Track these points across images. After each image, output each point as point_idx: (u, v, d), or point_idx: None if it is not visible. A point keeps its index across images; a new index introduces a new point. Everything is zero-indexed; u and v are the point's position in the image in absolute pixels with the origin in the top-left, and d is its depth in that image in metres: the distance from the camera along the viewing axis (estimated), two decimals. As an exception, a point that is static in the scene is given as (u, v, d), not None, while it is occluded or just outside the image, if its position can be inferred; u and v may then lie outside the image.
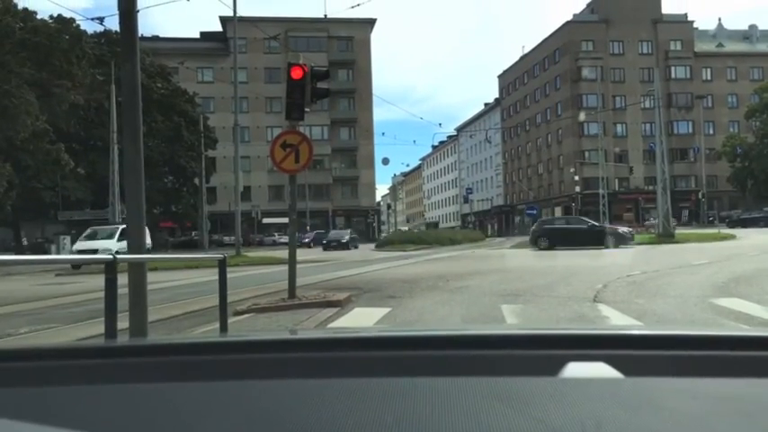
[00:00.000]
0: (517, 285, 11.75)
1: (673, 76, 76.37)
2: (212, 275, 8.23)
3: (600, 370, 1.00)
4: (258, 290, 12.50)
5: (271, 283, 13.48)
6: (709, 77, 78.79)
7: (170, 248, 49.93)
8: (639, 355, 1.09)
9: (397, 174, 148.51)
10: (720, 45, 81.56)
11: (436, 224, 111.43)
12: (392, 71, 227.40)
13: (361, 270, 18.40)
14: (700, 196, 61.33)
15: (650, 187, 57.13)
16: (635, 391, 0.86)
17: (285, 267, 10.83)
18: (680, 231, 34.10)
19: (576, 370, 0.99)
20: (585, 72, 74.71)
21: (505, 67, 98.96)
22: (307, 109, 9.88)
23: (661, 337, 1.24)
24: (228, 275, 6.58)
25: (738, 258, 17.22)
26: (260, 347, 1.28)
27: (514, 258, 23.20)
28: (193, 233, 58.35)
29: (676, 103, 75.45)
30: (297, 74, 9.68)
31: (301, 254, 17.57)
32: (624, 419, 0.74)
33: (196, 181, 51.34)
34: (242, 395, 0.89)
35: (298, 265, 10.46)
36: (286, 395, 0.88)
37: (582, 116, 62.28)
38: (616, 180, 71.21)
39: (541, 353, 1.11)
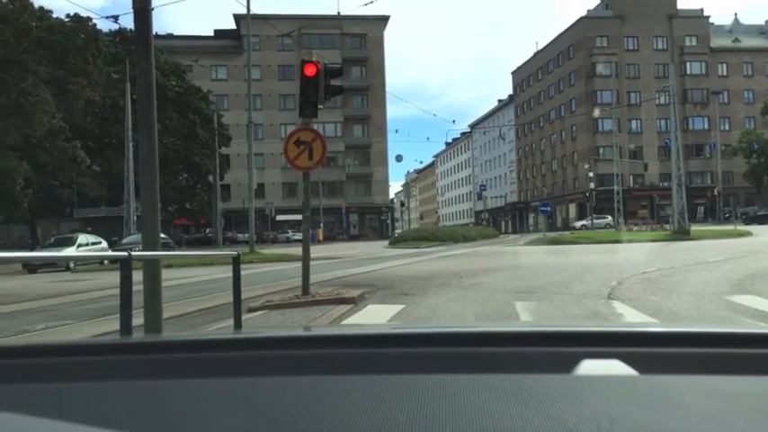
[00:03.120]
0: (531, 282, 11.70)
1: (688, 71, 75.72)
2: (226, 272, 8.25)
3: (614, 367, 0.99)
4: (272, 287, 12.53)
5: (284, 280, 13.52)
6: (725, 73, 78.05)
7: (184, 245, 50.16)
8: (654, 352, 1.08)
9: (411, 171, 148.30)
10: (737, 40, 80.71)
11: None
12: (405, 68, 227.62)
13: (374, 267, 18.40)
14: (715, 192, 60.81)
15: (665, 184, 56.72)
16: (650, 388, 0.85)
17: (299, 264, 10.84)
18: (695, 228, 33.82)
19: (590, 367, 0.99)
20: (600, 68, 74.17)
21: (519, 63, 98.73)
22: (320, 106, 9.89)
23: (676, 334, 1.23)
24: (242, 272, 6.61)
25: (755, 255, 17.07)
26: (274, 344, 1.28)
27: (528, 255, 23.12)
28: (207, 230, 58.64)
29: (692, 98, 74.80)
30: (310, 71, 9.69)
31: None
32: (639, 417, 0.74)
33: (210, 178, 51.53)
34: (255, 392, 0.90)
35: (311, 262, 10.48)
36: (299, 392, 0.88)
37: (596, 112, 61.72)
38: (631, 176, 70.69)
39: (555, 350, 1.10)
